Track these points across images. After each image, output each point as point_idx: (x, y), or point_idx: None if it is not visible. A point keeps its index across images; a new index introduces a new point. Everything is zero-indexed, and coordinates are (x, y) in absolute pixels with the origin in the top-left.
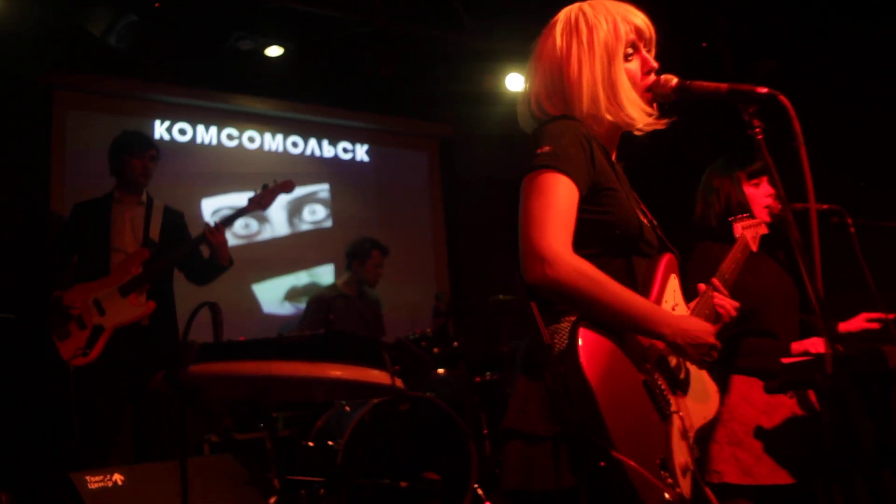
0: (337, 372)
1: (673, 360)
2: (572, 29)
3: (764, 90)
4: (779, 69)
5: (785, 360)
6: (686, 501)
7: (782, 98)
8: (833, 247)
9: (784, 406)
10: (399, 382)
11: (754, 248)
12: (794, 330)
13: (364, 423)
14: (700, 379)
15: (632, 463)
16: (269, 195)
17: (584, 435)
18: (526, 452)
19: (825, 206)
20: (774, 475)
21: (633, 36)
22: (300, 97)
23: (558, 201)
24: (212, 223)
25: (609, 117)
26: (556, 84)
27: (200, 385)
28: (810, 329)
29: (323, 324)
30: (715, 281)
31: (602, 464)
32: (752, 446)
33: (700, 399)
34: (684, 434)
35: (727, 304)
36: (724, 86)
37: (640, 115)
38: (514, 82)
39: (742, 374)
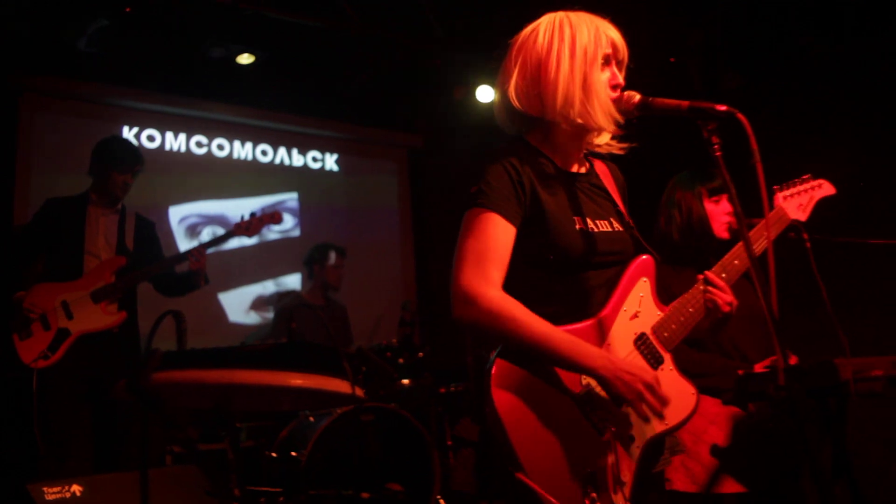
0: (298, 381)
1: None
2: (555, 29)
3: (723, 108)
4: (745, 83)
5: (742, 373)
6: None
7: (740, 116)
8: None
9: (732, 417)
10: (360, 391)
11: (803, 217)
12: (759, 349)
13: (328, 433)
14: (663, 382)
15: (537, 487)
16: (256, 223)
17: (501, 457)
18: (468, 458)
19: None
20: (721, 484)
21: (609, 50)
22: (271, 105)
23: (485, 239)
24: (196, 240)
25: (579, 120)
26: (534, 82)
27: (163, 393)
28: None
29: (285, 333)
30: (708, 274)
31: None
32: (699, 456)
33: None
34: (625, 446)
35: (718, 298)
36: (685, 103)
37: (607, 122)
38: (484, 94)
39: None
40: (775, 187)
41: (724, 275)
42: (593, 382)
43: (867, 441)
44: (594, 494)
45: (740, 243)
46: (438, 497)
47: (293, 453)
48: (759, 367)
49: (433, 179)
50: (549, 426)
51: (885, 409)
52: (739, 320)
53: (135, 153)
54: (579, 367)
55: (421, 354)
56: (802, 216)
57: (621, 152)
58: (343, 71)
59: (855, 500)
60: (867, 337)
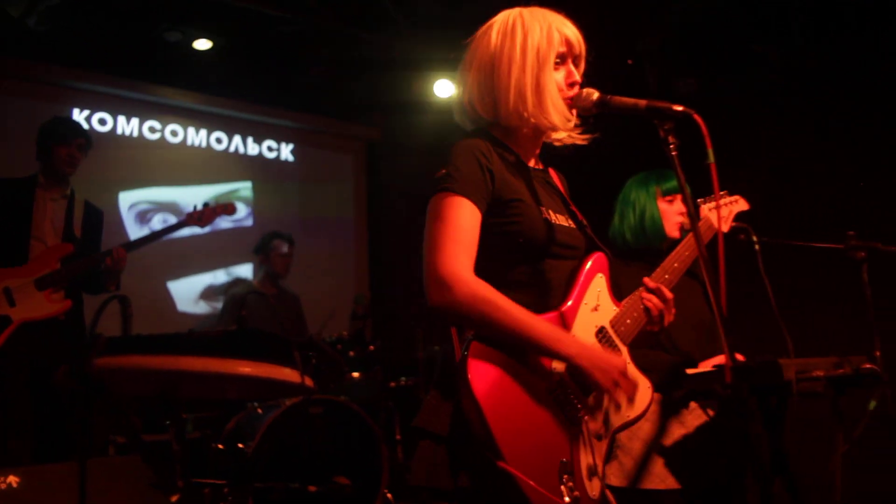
0: (246, 368)
1: None
2: (508, 30)
3: (679, 108)
4: (700, 88)
5: (689, 371)
6: (589, 502)
7: (697, 117)
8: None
9: (665, 414)
10: (309, 381)
11: (725, 228)
12: (699, 349)
13: (276, 425)
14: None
15: (519, 474)
16: (210, 214)
17: (477, 445)
18: (430, 451)
19: (734, 224)
20: (651, 480)
21: (563, 48)
22: (226, 93)
23: (456, 224)
24: (147, 227)
25: (532, 120)
26: (488, 83)
27: (106, 379)
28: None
29: (235, 321)
30: (646, 280)
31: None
32: (632, 451)
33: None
34: (595, 436)
35: (654, 301)
36: (642, 102)
37: (561, 122)
38: (443, 89)
39: None
40: (699, 200)
41: (667, 276)
42: (565, 375)
43: (805, 439)
44: (571, 483)
45: (679, 246)
46: (386, 491)
47: (240, 445)
48: (704, 366)
49: (390, 172)
50: (526, 415)
51: (822, 409)
52: (682, 320)
53: (76, 127)
54: (558, 355)
55: (372, 348)
56: (724, 227)
57: (584, 142)
58: (301, 60)
59: (792, 499)
60: (808, 338)
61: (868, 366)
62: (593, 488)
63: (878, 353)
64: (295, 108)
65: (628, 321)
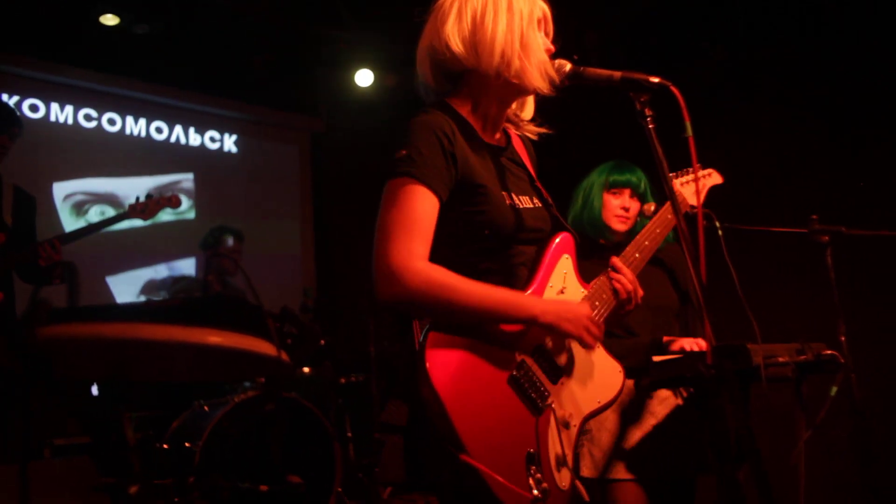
0: (216, 338)
1: (550, 344)
2: None
3: (656, 79)
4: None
5: (656, 359)
6: (559, 494)
7: (673, 88)
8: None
9: (633, 405)
10: (285, 356)
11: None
12: (647, 334)
13: (224, 423)
14: (590, 362)
15: (483, 467)
16: (153, 206)
17: (438, 438)
18: (395, 446)
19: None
20: (619, 471)
21: (541, 14)
22: (167, 81)
23: (412, 213)
24: (83, 220)
25: (515, 80)
26: (469, 35)
27: (50, 352)
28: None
29: (200, 288)
30: (614, 260)
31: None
32: (601, 442)
33: (590, 383)
34: (563, 424)
35: (623, 281)
36: (617, 74)
37: (544, 83)
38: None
39: None
40: (671, 175)
41: (637, 255)
42: (528, 360)
43: (768, 427)
44: (539, 475)
45: (650, 223)
46: (339, 489)
47: (187, 444)
48: (672, 346)
49: (334, 164)
50: (489, 405)
51: (785, 395)
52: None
53: (11, 114)
54: (522, 319)
55: (322, 342)
56: (697, 202)
57: (535, 138)
58: (245, 49)
59: (758, 485)
60: (773, 323)
61: (829, 352)
62: (563, 479)
63: (842, 339)
64: (238, 97)
65: (597, 303)
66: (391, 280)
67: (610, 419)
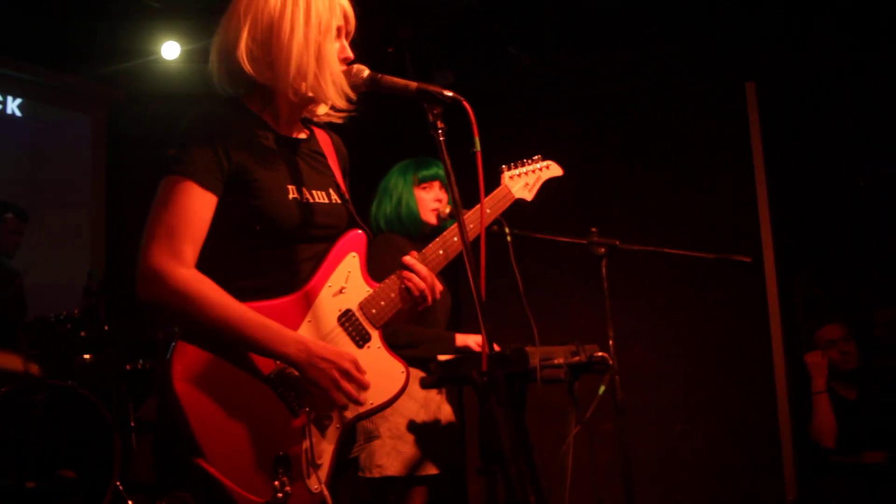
0: None
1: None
2: None
3: (450, 94)
4: (456, 83)
5: (441, 358)
6: (307, 497)
7: (466, 104)
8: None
9: (436, 401)
10: (35, 369)
11: (529, 197)
12: None
13: None
14: (366, 362)
15: (213, 471)
16: None
17: (179, 441)
18: (146, 444)
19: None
20: (425, 467)
21: (342, 21)
22: None
23: (179, 212)
24: None
25: (310, 93)
26: (265, 46)
27: None
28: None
29: None
30: (405, 259)
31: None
32: (411, 439)
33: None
34: (323, 427)
35: (415, 280)
36: (413, 84)
37: (338, 97)
38: (171, 51)
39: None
40: (503, 166)
41: (441, 251)
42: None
43: (545, 422)
44: (285, 478)
45: (446, 232)
46: (118, 483)
47: None
48: (462, 339)
49: (132, 139)
50: (236, 410)
51: (559, 395)
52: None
53: None
54: (273, 353)
55: (106, 328)
56: (528, 196)
57: (340, 121)
58: (37, 4)
59: (530, 479)
60: (551, 327)
61: (600, 354)
62: (314, 483)
63: (611, 342)
64: (24, 57)
65: (382, 303)
66: (149, 282)
67: (419, 416)
